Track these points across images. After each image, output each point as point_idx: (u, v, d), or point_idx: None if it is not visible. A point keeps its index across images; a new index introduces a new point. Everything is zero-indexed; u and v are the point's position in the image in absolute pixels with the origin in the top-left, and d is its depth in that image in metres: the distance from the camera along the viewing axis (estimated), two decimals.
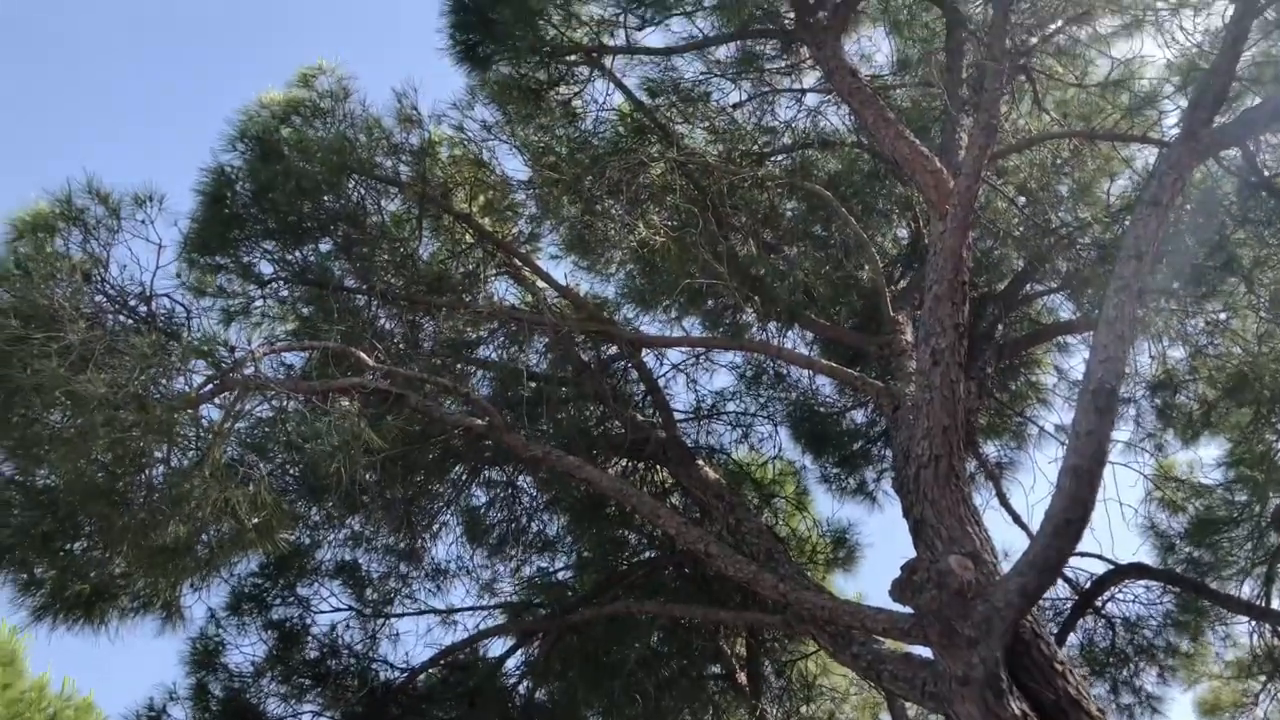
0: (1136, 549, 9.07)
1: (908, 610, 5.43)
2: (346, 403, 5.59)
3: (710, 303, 8.68)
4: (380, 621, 8.29)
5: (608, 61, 7.97)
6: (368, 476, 5.58)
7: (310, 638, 8.06)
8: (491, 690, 8.15)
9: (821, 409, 9.47)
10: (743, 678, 8.57)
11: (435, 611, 8.44)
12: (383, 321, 7.66)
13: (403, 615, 8.39)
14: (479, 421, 6.40)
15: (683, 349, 8.74)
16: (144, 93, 28.67)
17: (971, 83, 7.60)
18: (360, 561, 8.35)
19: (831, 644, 5.97)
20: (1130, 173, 8.38)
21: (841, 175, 8.84)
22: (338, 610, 8.19)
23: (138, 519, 5.18)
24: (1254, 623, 8.10)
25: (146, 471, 5.26)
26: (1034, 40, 7.61)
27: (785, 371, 9.27)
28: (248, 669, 7.80)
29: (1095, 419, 5.13)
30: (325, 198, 7.45)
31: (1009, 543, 9.17)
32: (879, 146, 7.54)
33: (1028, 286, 8.94)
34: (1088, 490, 5.08)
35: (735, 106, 8.52)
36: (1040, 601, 5.85)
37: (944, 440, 5.76)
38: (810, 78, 8.57)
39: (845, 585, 9.51)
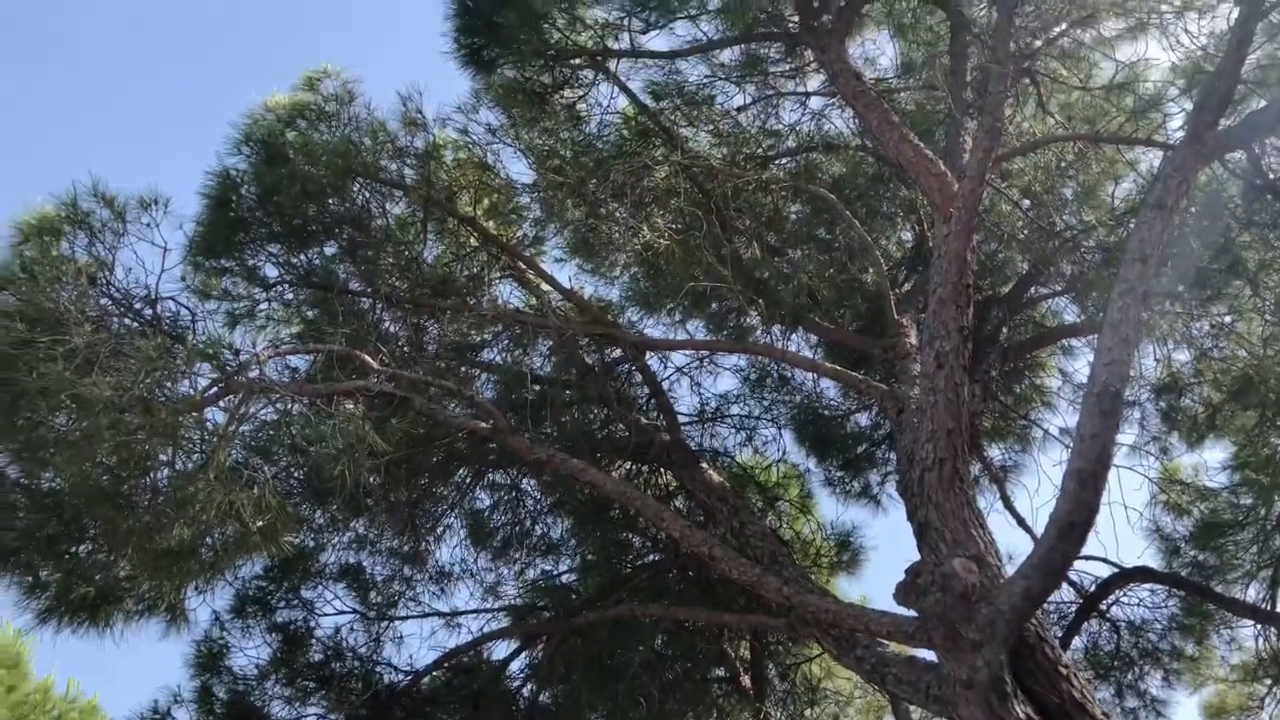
0: (1141, 552, 9.06)
1: (912, 613, 5.43)
2: (351, 406, 5.59)
3: (714, 306, 8.68)
4: (384, 624, 8.30)
5: (612, 65, 7.98)
6: (372, 479, 5.60)
7: (314, 640, 8.07)
8: (495, 693, 8.15)
9: (826, 412, 9.46)
10: (747, 681, 8.56)
11: (439, 614, 8.45)
12: (387, 324, 7.68)
13: (407, 618, 8.40)
14: (483, 424, 6.40)
15: (687, 352, 8.74)
16: (147, 94, 28.77)
17: (976, 86, 7.59)
18: (364, 564, 8.37)
19: (835, 647, 5.96)
20: (1135, 176, 8.36)
21: (846, 178, 8.84)
22: (342, 613, 8.21)
23: (143, 522, 5.19)
24: (1259, 626, 8.07)
25: (151, 474, 5.28)
26: (1038, 43, 7.60)
27: (789, 374, 9.27)
28: (252, 672, 7.81)
29: (1100, 422, 5.13)
30: (330, 201, 7.46)
31: (1013, 546, 9.15)
32: (883, 150, 7.54)
33: (1032, 289, 8.92)
34: (1092, 493, 5.07)
35: (739, 110, 8.53)
36: (1044, 605, 5.85)
37: (948, 443, 5.75)
38: (814, 81, 8.58)
39: (849, 588, 9.53)
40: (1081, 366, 9.30)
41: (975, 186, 5.91)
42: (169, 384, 5.25)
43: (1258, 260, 7.47)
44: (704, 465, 7.78)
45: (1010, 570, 5.46)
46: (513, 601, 8.71)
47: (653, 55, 8.08)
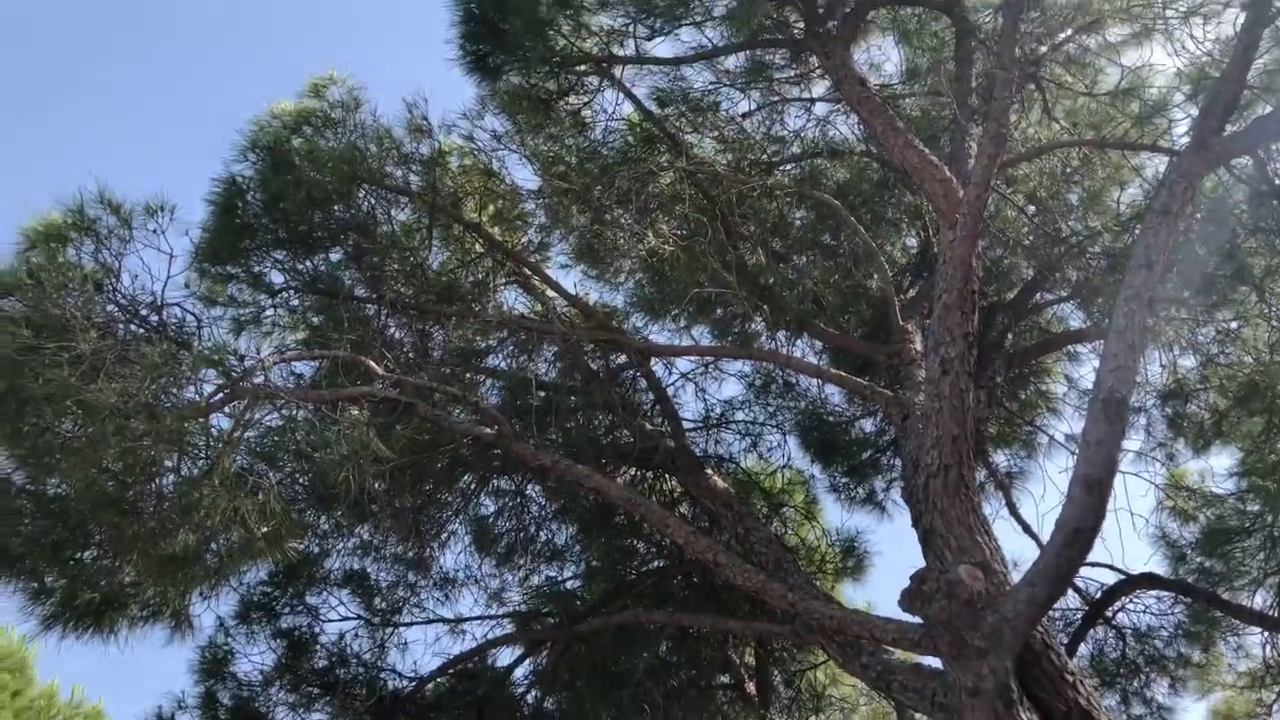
0: (1147, 559, 9.02)
1: (917, 620, 5.41)
2: (356, 412, 5.60)
3: (719, 312, 8.68)
4: (389, 630, 8.30)
5: (617, 71, 7.99)
6: (377, 485, 5.59)
7: (319, 646, 8.07)
8: (500, 699, 8.13)
9: (830, 418, 9.45)
10: (752, 687, 8.54)
11: (444, 620, 8.45)
12: (392, 330, 7.68)
13: (411, 624, 8.40)
14: (488, 430, 6.40)
15: (692, 358, 8.74)
16: (153, 100, 28.83)
17: (981, 91, 7.59)
18: (369, 570, 8.37)
19: (841, 654, 5.95)
20: (1140, 181, 8.35)
21: (850, 184, 8.84)
22: (346, 619, 8.21)
23: (148, 528, 5.20)
24: (1267, 633, 8.05)
25: (157, 480, 5.29)
26: (1044, 49, 7.60)
27: (794, 380, 9.26)
28: (256, 678, 7.82)
29: (1106, 428, 5.11)
30: (336, 207, 7.48)
31: (1019, 553, 9.16)
32: (888, 155, 7.53)
33: (1037, 295, 8.91)
34: (1098, 500, 5.05)
35: (744, 116, 8.53)
36: (1050, 612, 5.83)
37: (953, 449, 5.74)
38: (819, 87, 8.58)
39: (854, 595, 9.50)
40: (1087, 372, 9.30)
41: (980, 192, 5.90)
42: (174, 390, 5.26)
43: (1264, 266, 7.46)
44: (709, 471, 7.78)
45: (1016, 577, 5.45)
46: (517, 608, 8.70)
47: (658, 62, 8.09)
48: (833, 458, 9.46)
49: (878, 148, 8.21)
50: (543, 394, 7.68)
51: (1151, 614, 8.44)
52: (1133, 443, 8.78)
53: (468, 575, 8.57)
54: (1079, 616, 8.19)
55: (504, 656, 8.42)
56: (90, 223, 6.16)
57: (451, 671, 8.23)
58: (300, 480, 6.60)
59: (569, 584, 8.76)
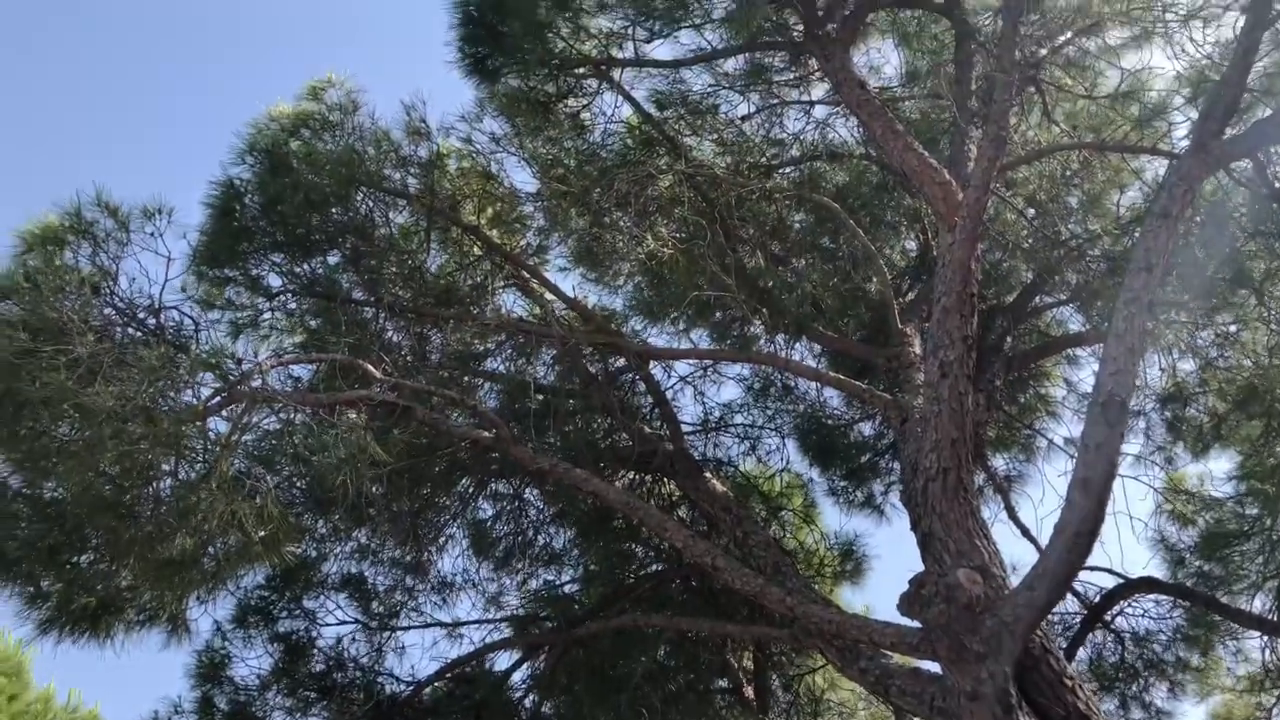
0: (1146, 563, 9.01)
1: (916, 624, 5.41)
2: (354, 415, 5.58)
3: (718, 315, 8.67)
4: (386, 634, 8.28)
5: (616, 74, 7.99)
6: (374, 489, 5.57)
7: (316, 650, 8.05)
8: (498, 704, 8.12)
9: (829, 421, 9.44)
10: (750, 692, 8.53)
11: (441, 624, 8.43)
12: (390, 334, 7.67)
13: (409, 628, 8.38)
14: (486, 434, 6.39)
15: (691, 361, 8.72)
16: (151, 102, 28.82)
17: (980, 94, 7.59)
18: (366, 574, 8.35)
19: (839, 658, 5.94)
20: (1140, 184, 8.35)
21: (850, 187, 8.84)
22: (344, 623, 8.19)
23: (145, 531, 5.18)
24: (1266, 638, 8.03)
25: (154, 484, 5.27)
26: (1043, 52, 7.60)
27: (793, 384, 9.26)
28: (253, 682, 7.79)
29: (1105, 432, 5.11)
30: (334, 210, 7.46)
31: (1018, 556, 9.11)
32: (887, 158, 7.53)
33: (1037, 299, 8.91)
34: (1097, 503, 5.05)
35: (744, 119, 8.52)
36: (1049, 616, 5.82)
37: (952, 453, 5.73)
38: (819, 90, 8.58)
39: (853, 598, 9.49)
40: (1086, 376, 9.30)
41: (980, 195, 5.89)
42: (172, 394, 5.25)
43: (1263, 270, 7.45)
44: (707, 475, 7.77)
45: (1015, 581, 5.44)
46: (515, 612, 8.68)
47: (657, 64, 8.09)
48: (831, 461, 9.45)
49: (877, 151, 8.21)
50: (541, 397, 7.67)
51: (1150, 618, 8.44)
52: (1132, 446, 8.79)
53: (465, 579, 8.56)
54: (1078, 620, 8.18)
55: (502, 660, 8.41)
56: (88, 226, 6.15)
57: (449, 676, 8.21)
58: (298, 484, 6.58)
59: (567, 588, 8.74)
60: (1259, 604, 7.75)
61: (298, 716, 7.80)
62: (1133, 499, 10.09)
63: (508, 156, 7.94)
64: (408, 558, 8.27)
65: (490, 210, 8.05)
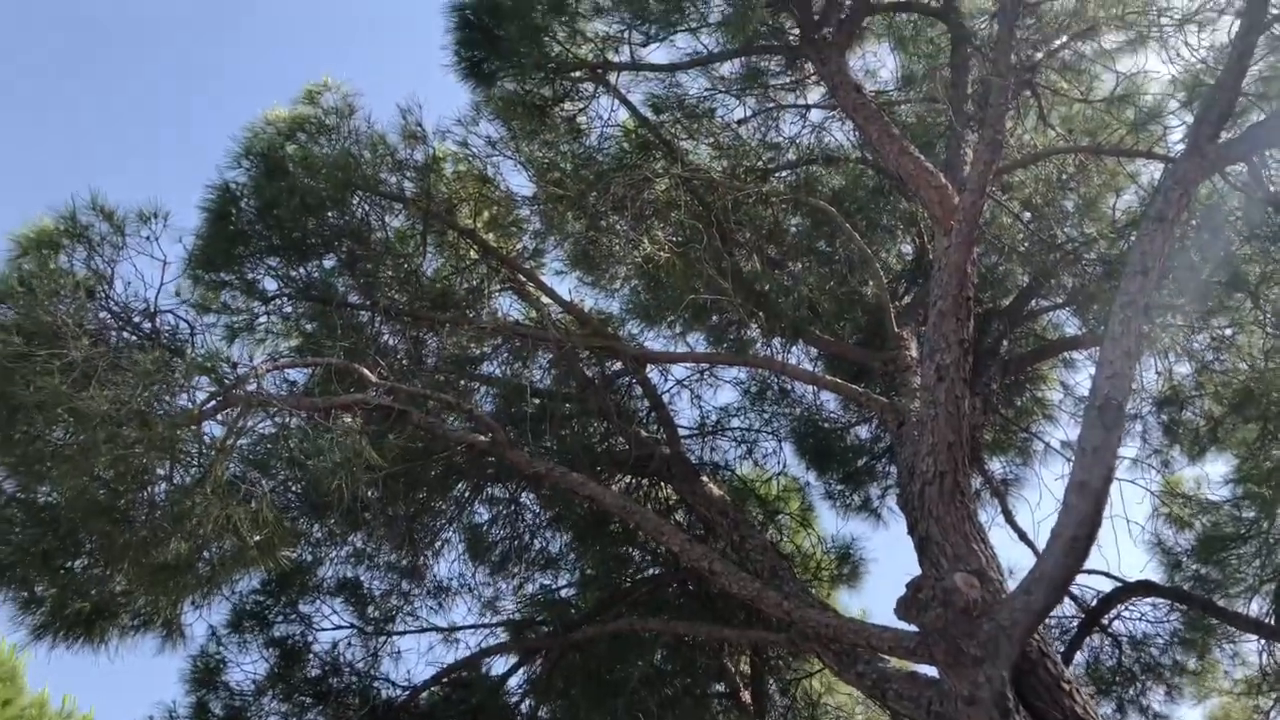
0: (1143, 566, 9.00)
1: (913, 629, 5.40)
2: (349, 419, 5.57)
3: (715, 318, 8.66)
4: (382, 639, 8.26)
5: (612, 78, 7.99)
6: (370, 493, 5.57)
7: (312, 655, 8.03)
8: (494, 708, 8.10)
9: (826, 425, 9.44)
10: (747, 696, 8.51)
11: (437, 629, 8.41)
12: (386, 338, 7.66)
13: (405, 633, 8.36)
14: (482, 438, 6.38)
15: (687, 365, 8.72)
16: (146, 105, 28.80)
17: (976, 98, 7.60)
18: (362, 579, 8.33)
19: (836, 662, 5.93)
20: (1136, 188, 8.37)
21: (846, 191, 8.84)
22: (339, 628, 8.17)
23: (139, 536, 5.17)
24: (1263, 641, 8.04)
25: (148, 488, 5.25)
26: (1039, 56, 7.61)
27: (789, 387, 9.25)
28: (249, 687, 7.77)
29: (1101, 435, 5.11)
30: (330, 214, 7.46)
31: (1015, 560, 9.11)
32: (883, 162, 7.53)
33: (1033, 302, 8.92)
34: (1094, 507, 5.05)
35: (740, 123, 8.53)
36: (1046, 619, 5.81)
37: (949, 456, 5.73)
38: (815, 94, 8.59)
39: (850, 602, 9.47)
40: (1083, 379, 9.30)
41: (976, 199, 5.90)
42: (167, 398, 5.23)
43: (1259, 273, 7.46)
44: (704, 479, 7.75)
45: (1012, 585, 5.43)
46: (511, 616, 8.66)
47: (653, 68, 8.09)
48: (828, 465, 9.44)
49: (873, 154, 8.21)
50: (537, 401, 7.65)
51: (1147, 621, 8.43)
52: (1128, 449, 8.79)
53: (461, 584, 8.54)
54: (1075, 624, 8.17)
55: (498, 665, 8.39)
56: (83, 229, 6.15)
57: (445, 680, 8.19)
58: (293, 488, 6.57)
59: (563, 592, 8.72)
60: (1256, 607, 7.76)
61: None
62: (1130, 502, 10.12)
63: (504, 160, 7.94)
64: (403, 562, 8.25)
65: (486, 214, 8.04)
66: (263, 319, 7.44)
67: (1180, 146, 6.83)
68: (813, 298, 8.19)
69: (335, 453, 5.04)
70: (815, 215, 8.57)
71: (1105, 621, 8.26)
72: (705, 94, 8.33)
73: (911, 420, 6.34)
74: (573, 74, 7.94)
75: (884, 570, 9.22)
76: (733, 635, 7.69)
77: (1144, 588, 7.84)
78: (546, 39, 7.68)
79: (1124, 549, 9.59)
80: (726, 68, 8.34)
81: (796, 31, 7.75)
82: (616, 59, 7.94)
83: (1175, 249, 6.43)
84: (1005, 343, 8.63)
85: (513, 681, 8.34)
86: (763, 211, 8.36)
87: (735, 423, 9.08)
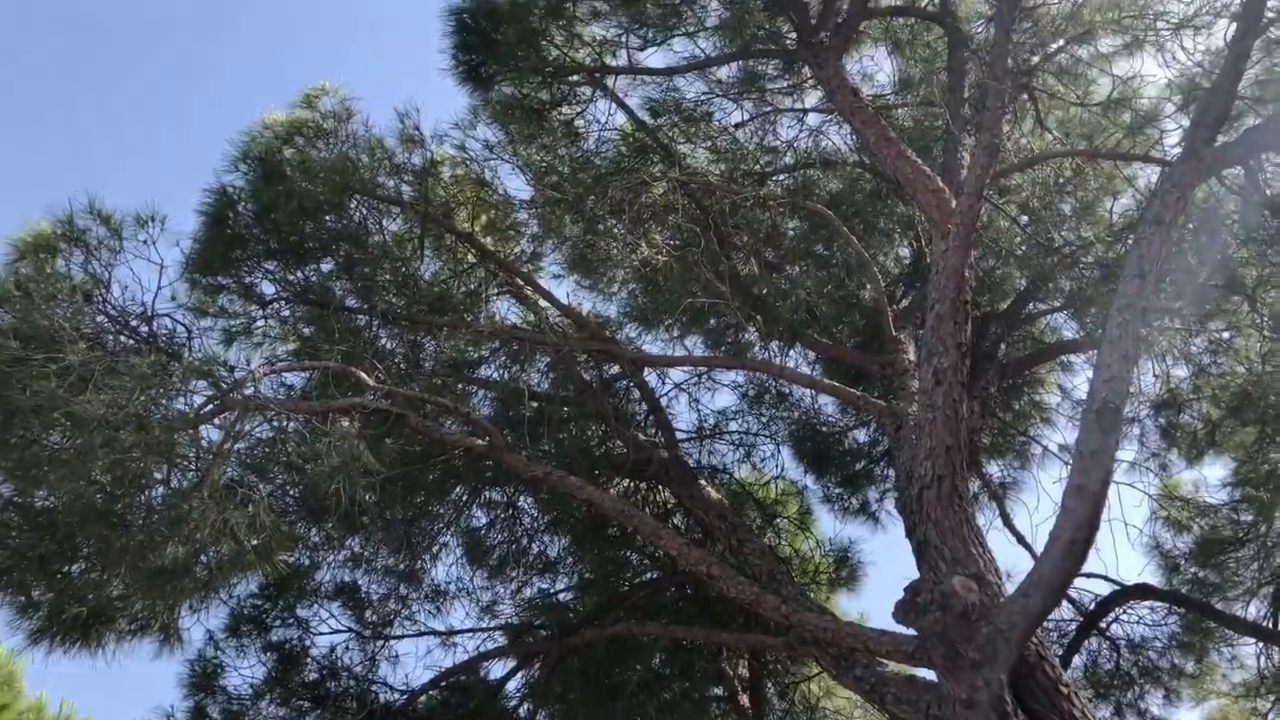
0: (1141, 569, 9.01)
1: (911, 632, 5.40)
2: (347, 423, 5.57)
3: (712, 322, 8.67)
4: (380, 643, 8.26)
5: (610, 82, 7.99)
6: (368, 497, 5.57)
7: (310, 659, 8.03)
8: (492, 712, 8.09)
9: (824, 428, 9.44)
10: (745, 700, 8.51)
11: (435, 633, 8.41)
12: (384, 341, 7.66)
13: (402, 637, 8.36)
14: (480, 442, 6.38)
15: (685, 368, 8.72)
16: (145, 108, 28.80)
17: (973, 102, 7.60)
18: (360, 583, 8.33)
19: (835, 666, 5.92)
20: (1133, 191, 8.38)
21: (843, 194, 8.84)
22: (337, 632, 8.18)
23: (136, 540, 5.16)
24: (1261, 644, 8.03)
25: (146, 492, 5.25)
26: (1036, 59, 7.62)
27: (787, 391, 9.25)
28: (246, 691, 7.77)
29: (1099, 438, 5.11)
30: (327, 218, 7.46)
31: (1013, 564, 9.12)
32: (881, 166, 7.54)
33: (1030, 305, 8.92)
34: (1092, 510, 5.04)
35: (737, 126, 8.54)
36: (1044, 623, 5.81)
37: (947, 460, 5.73)
38: (812, 97, 8.60)
39: (848, 606, 9.48)
40: (1080, 383, 9.30)
41: (973, 202, 5.90)
42: (164, 401, 5.24)
43: (1255, 276, 7.46)
44: (702, 482, 7.75)
45: (1010, 588, 5.43)
46: (509, 620, 8.66)
47: (650, 72, 8.10)
48: (826, 468, 9.44)
49: (870, 158, 8.22)
50: (535, 405, 7.64)
51: (1145, 625, 8.43)
52: (1126, 453, 8.80)
53: (459, 588, 8.53)
54: (1073, 627, 8.17)
55: (496, 669, 8.39)
56: (80, 233, 6.15)
57: (443, 684, 8.19)
58: (291, 492, 6.57)
59: (561, 596, 8.73)
60: (1254, 610, 7.75)
61: None
62: (1128, 506, 10.12)
63: (502, 164, 7.94)
64: (401, 566, 8.25)
65: (484, 217, 8.04)
66: (260, 323, 7.44)
67: (1177, 150, 6.84)
68: (810, 301, 8.19)
69: (333, 456, 5.04)
70: (813, 219, 8.57)
71: (1103, 625, 8.26)
72: (702, 98, 8.34)
73: (909, 424, 6.35)
74: (570, 78, 7.95)
75: (882, 574, 9.23)
76: (731, 639, 7.68)
77: (1142, 591, 7.84)
78: (544, 43, 7.69)
79: (1122, 552, 9.64)
80: (724, 72, 8.34)
81: (793, 35, 7.75)
82: (614, 63, 7.95)
83: (1172, 252, 6.44)
84: (1003, 346, 8.63)
85: (511, 685, 8.35)
86: (760, 215, 8.36)
87: (733, 426, 9.09)
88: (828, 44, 7.46)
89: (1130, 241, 6.33)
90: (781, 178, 8.82)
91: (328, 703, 7.86)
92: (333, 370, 6.04)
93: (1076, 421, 8.91)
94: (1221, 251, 7.40)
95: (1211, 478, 8.64)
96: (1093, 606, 8.01)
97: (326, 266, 7.68)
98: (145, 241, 6.08)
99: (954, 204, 6.27)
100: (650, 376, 8.42)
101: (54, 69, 27.07)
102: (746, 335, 8.68)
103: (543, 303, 8.07)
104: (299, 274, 7.56)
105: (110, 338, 5.94)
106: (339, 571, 8.24)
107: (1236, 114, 6.75)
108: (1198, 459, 8.63)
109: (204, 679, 7.68)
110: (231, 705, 7.71)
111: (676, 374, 8.72)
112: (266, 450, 5.86)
